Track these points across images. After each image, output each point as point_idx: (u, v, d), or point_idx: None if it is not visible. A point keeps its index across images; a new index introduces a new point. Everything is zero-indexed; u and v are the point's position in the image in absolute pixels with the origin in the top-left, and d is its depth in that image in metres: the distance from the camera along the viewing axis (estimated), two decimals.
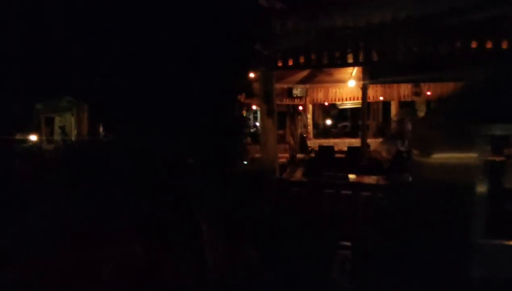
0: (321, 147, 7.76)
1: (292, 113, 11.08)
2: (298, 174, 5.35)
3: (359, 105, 10.18)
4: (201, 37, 2.50)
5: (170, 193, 2.56)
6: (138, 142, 2.57)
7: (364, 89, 6.11)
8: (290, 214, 3.58)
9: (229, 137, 2.98)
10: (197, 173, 2.74)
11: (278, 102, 9.05)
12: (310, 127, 9.72)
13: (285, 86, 9.10)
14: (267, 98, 4.69)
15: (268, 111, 4.70)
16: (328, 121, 14.09)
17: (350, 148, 7.52)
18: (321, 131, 14.66)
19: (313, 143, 9.29)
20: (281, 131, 11.88)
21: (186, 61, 2.54)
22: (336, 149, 7.72)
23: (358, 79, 8.59)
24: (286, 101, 9.26)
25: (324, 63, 4.59)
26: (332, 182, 4.48)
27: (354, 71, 7.92)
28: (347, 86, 8.99)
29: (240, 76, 3.11)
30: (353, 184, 4.42)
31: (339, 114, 14.63)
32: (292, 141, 11.05)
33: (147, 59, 2.46)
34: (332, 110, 14.64)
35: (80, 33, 2.48)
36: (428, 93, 8.08)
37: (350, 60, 4.39)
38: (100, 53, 2.49)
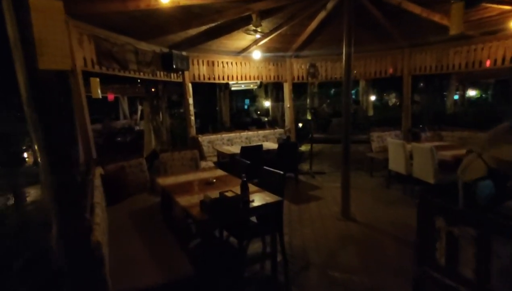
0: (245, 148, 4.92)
1: (155, 97, 7.02)
2: None
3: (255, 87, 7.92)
4: None
5: None
6: None
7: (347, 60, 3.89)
8: None
9: None
10: None
11: (146, 76, 5.08)
12: (193, 119, 6.33)
13: (157, 49, 5.26)
14: None
15: None
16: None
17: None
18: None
19: (208, 146, 6.09)
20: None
21: None
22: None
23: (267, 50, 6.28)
24: (161, 76, 5.41)
25: None
26: None
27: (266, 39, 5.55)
28: (249, 60, 6.49)
29: None
30: None
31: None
32: (154, 143, 7.08)
33: None
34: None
35: None
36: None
37: None
38: None
